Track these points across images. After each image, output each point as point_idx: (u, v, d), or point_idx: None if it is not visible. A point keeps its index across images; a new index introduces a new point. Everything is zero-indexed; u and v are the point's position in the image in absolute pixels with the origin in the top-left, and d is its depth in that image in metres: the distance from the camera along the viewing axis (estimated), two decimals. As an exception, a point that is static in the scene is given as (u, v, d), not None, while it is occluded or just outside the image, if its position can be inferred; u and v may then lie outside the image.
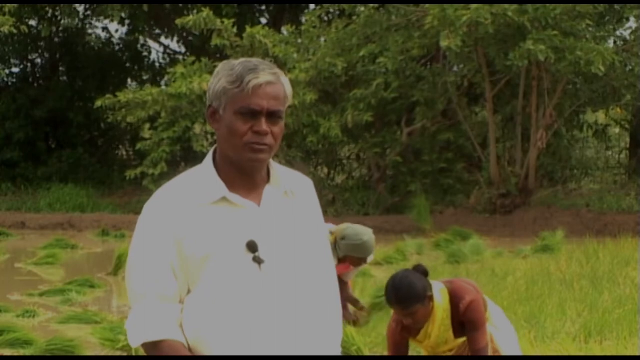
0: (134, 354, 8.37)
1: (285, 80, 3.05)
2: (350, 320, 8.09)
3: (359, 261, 7.63)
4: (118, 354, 8.54)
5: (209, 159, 3.06)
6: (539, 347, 8.12)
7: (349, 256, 7.51)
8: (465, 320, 5.75)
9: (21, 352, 8.64)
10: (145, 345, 3.00)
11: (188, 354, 2.96)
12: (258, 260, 2.96)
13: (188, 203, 2.98)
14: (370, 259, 7.87)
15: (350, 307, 8.49)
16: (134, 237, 3.03)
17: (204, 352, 2.97)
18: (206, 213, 2.98)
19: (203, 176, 3.03)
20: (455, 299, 5.76)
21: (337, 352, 3.11)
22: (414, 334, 5.80)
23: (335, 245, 7.47)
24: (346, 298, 7.96)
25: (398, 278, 5.67)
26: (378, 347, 8.46)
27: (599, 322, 8.91)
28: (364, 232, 7.57)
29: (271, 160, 3.08)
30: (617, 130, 25.99)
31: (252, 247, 2.96)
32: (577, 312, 9.52)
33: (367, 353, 8.08)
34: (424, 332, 5.77)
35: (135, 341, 3.00)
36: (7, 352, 8.68)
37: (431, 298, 5.65)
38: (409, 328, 5.76)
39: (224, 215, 2.98)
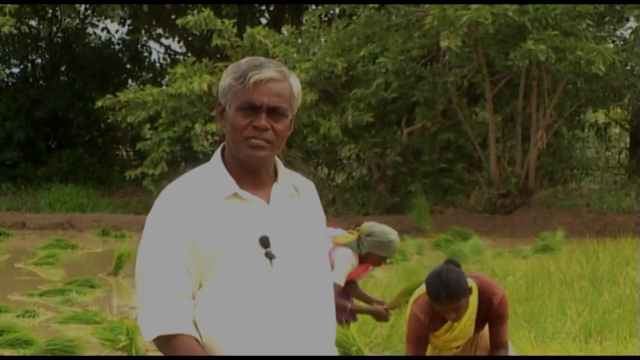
0: (134, 354, 8.37)
1: (293, 80, 3.05)
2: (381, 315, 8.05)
3: (380, 260, 7.63)
4: (118, 354, 8.53)
5: (217, 156, 3.08)
6: (539, 347, 8.12)
7: (371, 254, 7.52)
8: (495, 315, 5.75)
9: (21, 352, 8.64)
10: (159, 339, 3.00)
11: (201, 350, 2.97)
12: (270, 256, 2.98)
13: (199, 199, 3.00)
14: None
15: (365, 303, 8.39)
16: (144, 233, 3.04)
17: (217, 347, 2.98)
18: (217, 209, 2.99)
19: (213, 173, 3.04)
20: (486, 293, 5.74)
21: (334, 352, 3.13)
22: (437, 328, 5.79)
23: (358, 243, 7.48)
24: (358, 296, 7.96)
25: (445, 273, 5.60)
26: (378, 347, 8.47)
27: (599, 322, 8.91)
28: (391, 232, 7.61)
29: (278, 160, 3.09)
30: (617, 130, 26.01)
31: (264, 242, 2.98)
32: (577, 312, 9.52)
33: (367, 353, 8.08)
34: (447, 325, 5.76)
35: (149, 335, 3.01)
36: (7, 352, 8.68)
37: (471, 290, 5.66)
38: (434, 321, 5.75)
39: (235, 211, 3.00)
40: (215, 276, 2.98)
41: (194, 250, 2.97)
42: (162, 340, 2.99)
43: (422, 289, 5.79)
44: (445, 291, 5.56)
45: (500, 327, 5.78)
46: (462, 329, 5.76)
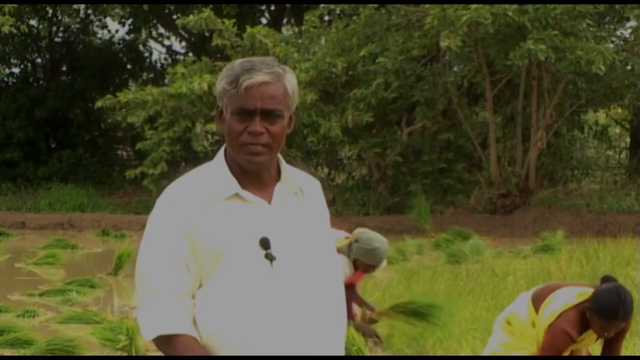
0: (134, 354, 8.37)
1: (288, 78, 3.03)
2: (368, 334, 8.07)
3: (367, 268, 7.59)
4: (118, 354, 8.53)
5: (220, 156, 3.08)
6: (539, 347, 8.10)
7: (359, 261, 7.49)
8: (625, 330, 5.93)
9: (21, 352, 8.64)
10: (158, 339, 3.01)
11: (201, 350, 2.98)
12: (270, 257, 2.98)
13: (200, 198, 3.00)
14: (382, 266, 7.83)
15: (360, 311, 8.37)
16: (146, 230, 3.05)
17: (217, 347, 2.99)
18: (219, 209, 2.99)
19: (215, 172, 3.05)
20: None
21: (341, 351, 3.13)
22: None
23: (349, 248, 7.47)
24: (352, 300, 7.94)
25: (623, 293, 5.67)
26: (378, 346, 8.45)
27: (599, 322, 8.89)
28: (377, 239, 7.52)
29: (282, 159, 3.09)
30: (617, 130, 26.00)
31: (265, 243, 2.98)
32: (577, 312, 9.50)
33: (367, 353, 8.07)
34: (582, 337, 5.79)
35: (149, 334, 3.02)
36: (7, 352, 8.68)
37: None
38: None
39: (236, 211, 3.00)
40: (216, 276, 2.98)
41: (194, 249, 2.98)
42: (162, 340, 3.00)
43: (566, 303, 5.72)
44: (623, 311, 5.63)
45: (623, 337, 5.91)
46: (594, 338, 5.82)
